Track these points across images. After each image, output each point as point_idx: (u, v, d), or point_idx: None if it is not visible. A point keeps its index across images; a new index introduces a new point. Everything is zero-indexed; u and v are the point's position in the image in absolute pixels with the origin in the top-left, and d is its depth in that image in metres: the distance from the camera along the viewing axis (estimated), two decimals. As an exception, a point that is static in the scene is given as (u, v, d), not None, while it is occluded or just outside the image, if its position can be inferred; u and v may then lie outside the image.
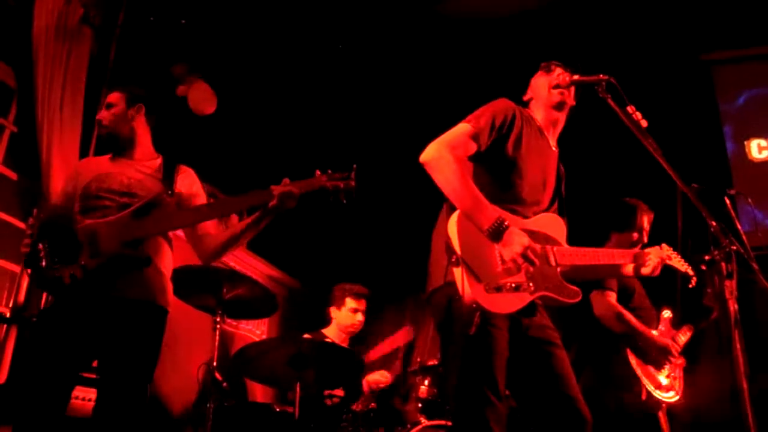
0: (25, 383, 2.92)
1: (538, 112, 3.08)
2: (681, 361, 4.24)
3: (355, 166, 3.22)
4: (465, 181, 2.62)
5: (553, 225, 2.89)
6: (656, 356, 4.03)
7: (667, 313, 4.35)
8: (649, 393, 3.94)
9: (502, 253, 2.55)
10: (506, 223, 2.55)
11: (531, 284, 2.60)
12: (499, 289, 2.51)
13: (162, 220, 3.15)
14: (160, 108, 3.61)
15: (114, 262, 2.97)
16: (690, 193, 2.60)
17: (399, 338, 5.26)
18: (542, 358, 2.71)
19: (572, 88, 3.04)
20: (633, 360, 3.97)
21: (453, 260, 2.51)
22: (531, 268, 2.56)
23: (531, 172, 2.86)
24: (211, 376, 3.95)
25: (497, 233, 2.54)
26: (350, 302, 5.39)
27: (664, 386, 4.03)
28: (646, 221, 4.30)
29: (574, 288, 2.76)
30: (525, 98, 3.14)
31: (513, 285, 2.54)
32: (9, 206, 4.42)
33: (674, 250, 3.37)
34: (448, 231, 2.57)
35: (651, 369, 4.03)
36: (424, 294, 2.79)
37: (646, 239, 4.27)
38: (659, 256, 3.20)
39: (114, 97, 3.47)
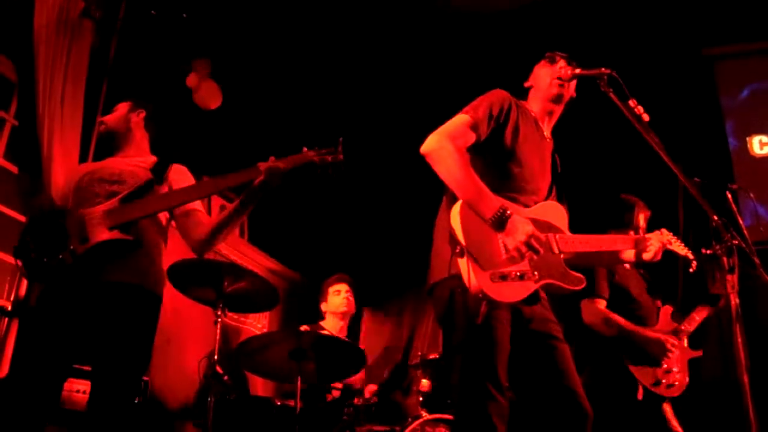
0: (17, 376, 2.91)
1: (536, 102, 3.09)
2: (678, 352, 4.21)
3: (341, 139, 3.18)
4: (467, 170, 2.62)
5: (555, 213, 2.89)
6: (654, 352, 4.04)
7: (666, 309, 4.35)
8: (645, 391, 3.95)
9: (506, 242, 2.55)
10: (509, 212, 2.55)
11: (535, 272, 2.60)
12: (504, 277, 2.50)
13: (150, 203, 3.13)
14: (164, 121, 3.65)
15: (103, 246, 2.97)
16: (692, 188, 2.60)
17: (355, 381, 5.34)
18: (545, 352, 2.71)
19: (573, 81, 3.05)
20: (627, 363, 3.99)
21: (457, 251, 2.51)
22: (535, 256, 2.56)
23: (529, 160, 2.87)
24: (212, 369, 3.95)
25: (500, 222, 2.54)
26: (332, 289, 5.59)
27: (663, 382, 4.03)
28: (642, 219, 4.31)
29: (579, 275, 2.77)
30: (526, 84, 3.14)
31: (518, 273, 2.54)
32: (9, 199, 4.43)
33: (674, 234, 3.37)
34: (451, 222, 2.56)
35: (647, 367, 4.03)
36: (426, 287, 2.79)
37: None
38: (660, 241, 3.21)
39: (120, 105, 3.60)
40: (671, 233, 3.35)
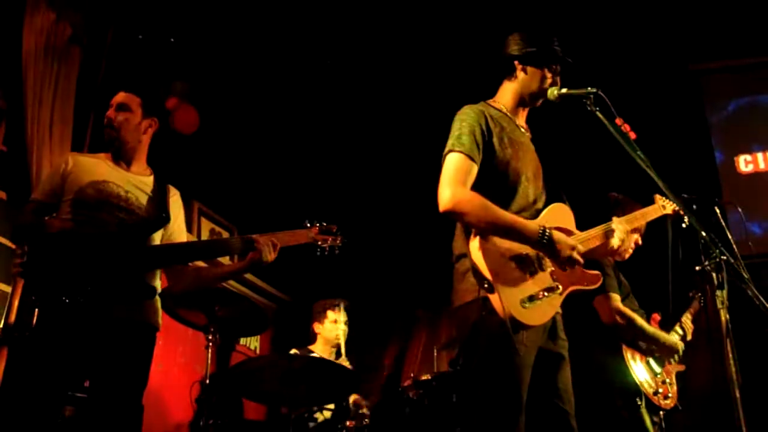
0: (14, 403, 2.88)
1: (512, 95, 2.99)
2: (677, 366, 4.20)
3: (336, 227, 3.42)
4: (492, 210, 2.58)
5: (563, 215, 2.87)
6: (665, 355, 4.04)
7: (655, 317, 4.31)
8: (646, 400, 3.90)
9: (552, 260, 2.61)
10: (548, 231, 2.58)
11: (559, 285, 2.64)
12: (532, 299, 2.54)
13: (163, 255, 3.22)
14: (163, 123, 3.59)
15: (120, 292, 2.96)
16: (680, 205, 2.61)
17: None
18: (549, 369, 2.71)
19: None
20: (631, 361, 3.92)
21: (486, 287, 2.51)
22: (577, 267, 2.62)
23: (521, 166, 2.81)
24: (204, 394, 3.93)
25: (544, 242, 2.57)
26: (330, 314, 5.47)
27: (661, 392, 3.98)
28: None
29: (595, 272, 2.81)
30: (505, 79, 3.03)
31: (544, 292, 2.58)
32: (-2, 226, 4.40)
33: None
34: (473, 259, 2.55)
35: (649, 375, 3.98)
36: (450, 307, 2.75)
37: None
38: (626, 228, 3.04)
39: (130, 99, 3.38)
40: (662, 197, 3.39)
